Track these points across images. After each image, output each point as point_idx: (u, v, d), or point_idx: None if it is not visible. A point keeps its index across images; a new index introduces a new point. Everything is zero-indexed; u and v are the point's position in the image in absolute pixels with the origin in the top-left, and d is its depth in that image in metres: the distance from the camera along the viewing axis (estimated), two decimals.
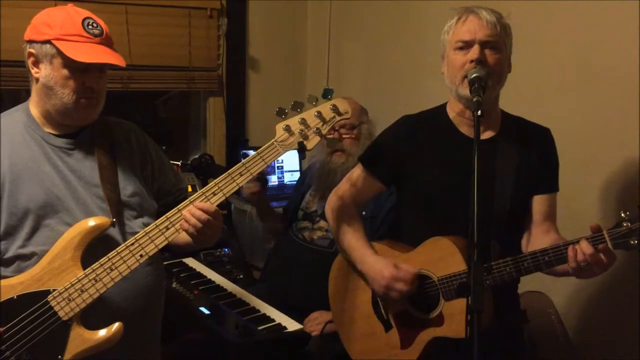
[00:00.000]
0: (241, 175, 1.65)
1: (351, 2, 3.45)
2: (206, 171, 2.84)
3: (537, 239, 1.79)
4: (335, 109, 1.65)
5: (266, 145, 1.66)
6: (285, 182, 3.45)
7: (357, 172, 1.96)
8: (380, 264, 1.81)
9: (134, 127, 1.86)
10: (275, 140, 1.66)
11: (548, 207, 1.83)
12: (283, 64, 3.69)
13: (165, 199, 1.85)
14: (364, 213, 2.20)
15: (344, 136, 2.46)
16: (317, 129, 1.65)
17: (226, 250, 2.92)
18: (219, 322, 2.22)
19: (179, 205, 1.63)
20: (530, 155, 1.81)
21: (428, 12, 2.95)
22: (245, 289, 2.50)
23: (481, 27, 1.72)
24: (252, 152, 3.39)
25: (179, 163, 2.84)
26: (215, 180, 1.64)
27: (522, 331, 1.95)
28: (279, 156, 1.68)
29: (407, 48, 3.11)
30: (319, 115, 1.65)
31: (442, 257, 1.74)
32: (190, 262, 2.79)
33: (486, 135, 1.82)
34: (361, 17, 3.40)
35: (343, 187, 1.98)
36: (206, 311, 2.28)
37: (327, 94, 1.65)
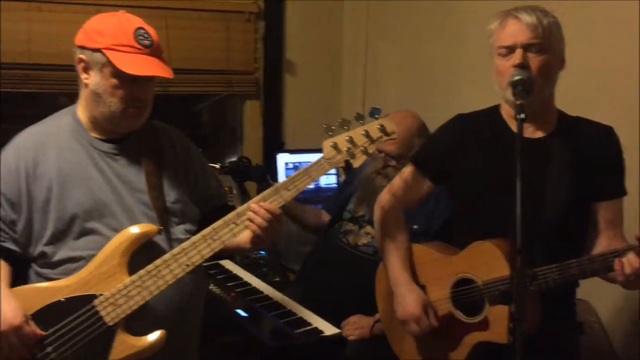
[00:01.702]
0: (288, 191, 1.67)
1: (388, 2, 3.43)
2: (243, 174, 2.86)
3: (599, 249, 1.75)
4: (382, 128, 1.65)
5: (313, 162, 1.68)
6: (321, 185, 3.46)
7: (405, 173, 1.97)
8: (411, 298, 1.85)
9: (178, 133, 1.88)
10: (323, 158, 1.67)
11: (612, 214, 1.77)
12: (319, 66, 3.70)
13: (206, 205, 1.87)
14: (415, 227, 2.20)
15: (388, 163, 2.44)
16: (364, 147, 1.66)
17: (262, 252, 2.94)
18: (255, 325, 2.24)
19: (225, 217, 1.65)
20: (589, 157, 1.76)
21: (466, 12, 2.93)
22: (280, 292, 2.52)
23: (522, 31, 1.70)
24: (287, 155, 3.43)
25: (217, 166, 2.87)
26: (262, 194, 1.66)
27: (574, 341, 1.91)
28: (325, 173, 1.69)
29: (445, 49, 3.08)
30: (366, 134, 1.65)
31: (486, 261, 1.75)
32: (227, 264, 2.82)
33: (538, 134, 1.79)
34: (398, 17, 3.38)
35: (384, 198, 1.99)
36: (243, 314, 2.30)
37: (374, 113, 1.66)
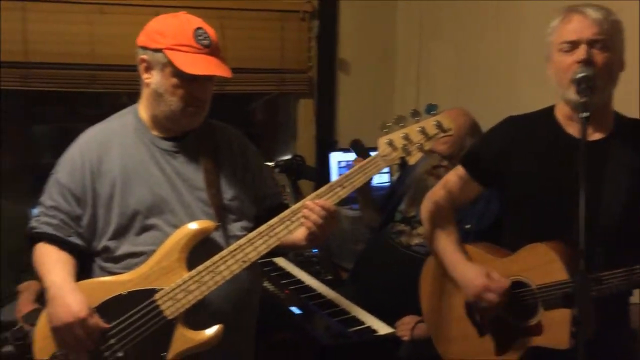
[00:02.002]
0: (343, 188, 1.67)
1: (442, 1, 3.40)
2: (297, 172, 2.88)
3: None
4: (439, 125, 1.63)
5: (368, 159, 1.67)
6: (373, 183, 3.45)
7: (454, 174, 1.94)
8: (471, 272, 1.79)
9: (235, 131, 1.91)
10: (378, 155, 1.66)
11: None
12: (372, 65, 3.69)
13: (262, 204, 1.88)
14: (467, 226, 2.17)
15: (440, 163, 2.41)
16: (420, 144, 1.64)
17: (315, 250, 2.95)
18: (309, 322, 2.25)
19: (281, 215, 1.67)
20: None
21: (522, 11, 2.87)
22: (333, 290, 2.52)
23: (587, 26, 1.65)
24: (340, 154, 3.43)
25: (271, 164, 2.90)
26: (316, 192, 1.67)
27: (630, 348, 1.85)
28: (380, 170, 1.68)
29: (501, 48, 3.03)
30: (422, 130, 1.63)
31: (540, 265, 1.70)
32: (280, 261, 2.85)
33: (596, 136, 1.74)
34: (452, 16, 3.34)
35: (438, 193, 1.96)
36: (297, 311, 2.32)
37: (430, 110, 1.64)
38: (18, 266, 2.69)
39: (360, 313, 2.29)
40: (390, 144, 1.65)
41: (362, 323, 2.22)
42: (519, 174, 1.82)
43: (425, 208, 1.98)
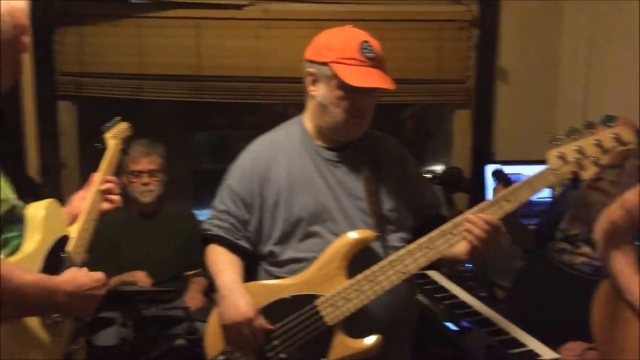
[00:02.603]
0: (508, 202, 1.61)
1: (618, 0, 3.15)
2: (454, 184, 2.81)
3: None
4: (617, 138, 1.52)
5: (537, 173, 1.59)
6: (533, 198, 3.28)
7: (634, 194, 1.79)
8: None
9: (395, 142, 1.92)
10: (548, 169, 1.58)
11: None
12: (534, 73, 3.51)
13: (420, 214, 1.87)
14: None
15: (601, 176, 2.24)
16: (595, 158, 1.53)
17: (468, 265, 2.87)
18: (466, 340, 2.18)
19: (442, 227, 1.64)
20: None
21: None
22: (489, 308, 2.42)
23: None
24: (497, 167, 3.31)
25: (428, 175, 2.86)
26: (479, 206, 1.62)
27: None
28: (549, 185, 1.60)
29: None
30: (598, 144, 1.53)
31: None
32: (433, 274, 2.79)
33: None
34: (628, 17, 3.08)
35: (615, 212, 1.82)
36: (453, 327, 2.26)
37: (607, 121, 1.54)
38: (185, 263, 2.90)
39: (520, 334, 2.18)
40: (562, 157, 1.56)
41: (523, 345, 2.11)
42: None
43: (601, 228, 1.84)
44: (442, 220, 1.81)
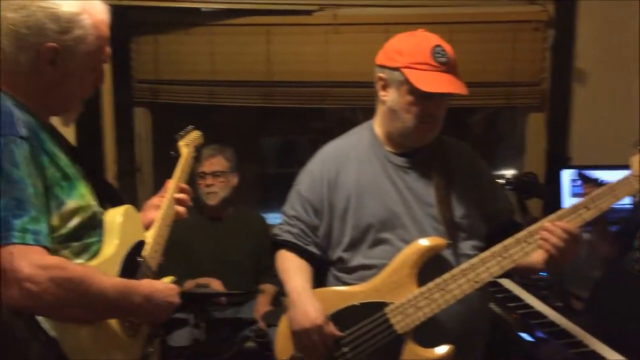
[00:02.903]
0: (588, 210, 1.55)
1: None
2: (529, 190, 2.73)
3: None
4: None
5: (620, 179, 1.53)
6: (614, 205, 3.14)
7: None
8: None
9: (467, 147, 1.88)
10: (632, 175, 1.51)
11: None
12: (613, 74, 3.35)
13: (493, 221, 1.82)
14: None
15: None
16: None
17: (543, 273, 2.77)
18: (543, 351, 2.10)
19: (517, 235, 1.59)
20: None
21: None
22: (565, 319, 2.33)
23: None
24: (573, 172, 3.18)
25: (501, 181, 2.79)
26: (557, 213, 1.57)
27: None
28: (634, 193, 1.52)
29: None
30: None
31: None
32: (506, 283, 2.71)
33: None
34: None
35: None
36: (528, 338, 2.19)
37: None
38: (255, 266, 2.94)
39: (600, 348, 2.07)
40: None
41: (603, 359, 2.01)
42: None
43: None
44: (516, 227, 1.77)
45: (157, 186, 1.80)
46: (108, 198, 1.57)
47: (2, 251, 1.14)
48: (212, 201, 2.91)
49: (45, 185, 1.26)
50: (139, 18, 3.25)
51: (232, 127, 4.04)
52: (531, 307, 2.45)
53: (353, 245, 1.75)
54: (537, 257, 1.65)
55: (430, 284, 1.63)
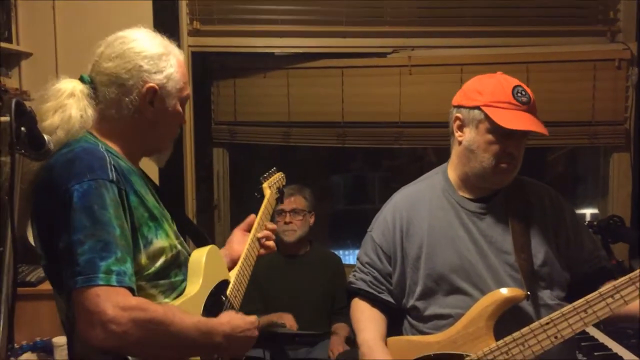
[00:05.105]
0: None
1: None
2: (614, 234, 2.61)
3: None
4: None
5: None
6: None
7: None
8: None
9: (548, 189, 1.82)
10: None
11: None
12: None
13: (580, 268, 1.74)
14: None
15: None
16: None
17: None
18: None
19: (601, 290, 1.52)
20: None
21: None
22: None
23: None
24: None
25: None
26: None
27: None
28: None
29: None
30: None
31: None
32: (590, 330, 2.58)
33: None
34: None
35: None
36: None
37: None
38: (329, 307, 2.94)
39: None
40: None
41: None
42: None
43: None
44: (606, 273, 1.69)
45: (234, 222, 1.84)
46: (191, 236, 1.63)
47: (88, 293, 1.19)
48: (290, 238, 2.96)
49: (133, 226, 1.31)
50: (219, 63, 3.39)
51: (305, 165, 4.10)
52: (619, 357, 2.32)
53: (426, 294, 1.72)
54: (635, 307, 1.56)
55: (508, 338, 1.57)
